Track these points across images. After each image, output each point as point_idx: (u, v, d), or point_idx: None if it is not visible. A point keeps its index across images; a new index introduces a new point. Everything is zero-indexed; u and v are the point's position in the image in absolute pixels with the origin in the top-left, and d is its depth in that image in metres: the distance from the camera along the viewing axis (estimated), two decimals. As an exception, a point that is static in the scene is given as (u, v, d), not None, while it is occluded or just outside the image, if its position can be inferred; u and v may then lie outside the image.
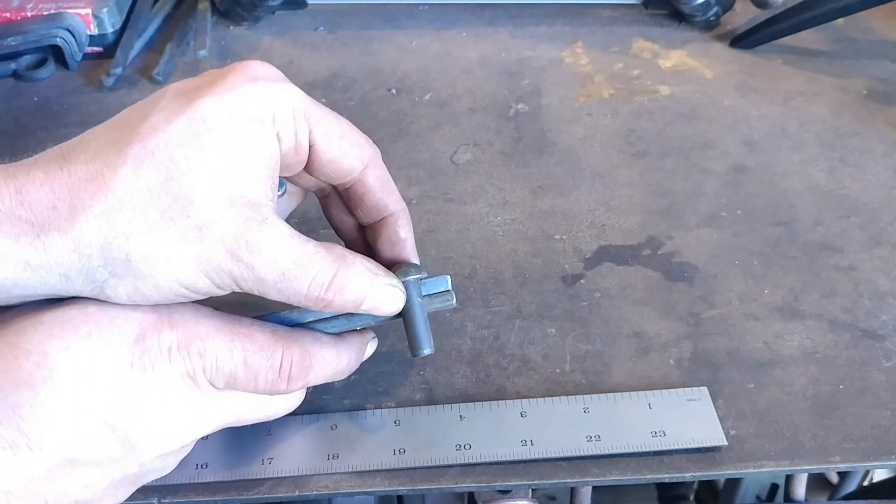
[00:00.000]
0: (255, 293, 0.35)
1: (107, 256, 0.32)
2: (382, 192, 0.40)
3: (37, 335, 0.32)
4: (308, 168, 0.38)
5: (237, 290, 0.35)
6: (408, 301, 0.39)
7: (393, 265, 0.40)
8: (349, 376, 0.41)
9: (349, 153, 0.38)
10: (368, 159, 0.39)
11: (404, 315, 0.39)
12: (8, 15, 0.66)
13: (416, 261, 0.41)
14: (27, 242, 0.31)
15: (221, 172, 0.33)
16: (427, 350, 0.39)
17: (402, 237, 0.41)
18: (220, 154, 0.33)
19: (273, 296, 0.35)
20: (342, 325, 0.39)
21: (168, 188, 0.32)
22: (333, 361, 0.38)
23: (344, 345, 0.39)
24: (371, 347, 0.42)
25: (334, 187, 0.41)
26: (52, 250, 0.31)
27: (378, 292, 0.37)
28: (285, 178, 0.41)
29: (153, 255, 0.32)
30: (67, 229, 0.31)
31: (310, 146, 0.37)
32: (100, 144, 0.33)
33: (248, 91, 0.34)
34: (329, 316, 0.39)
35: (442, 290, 0.40)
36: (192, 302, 0.35)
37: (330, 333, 0.39)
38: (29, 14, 0.66)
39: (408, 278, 0.39)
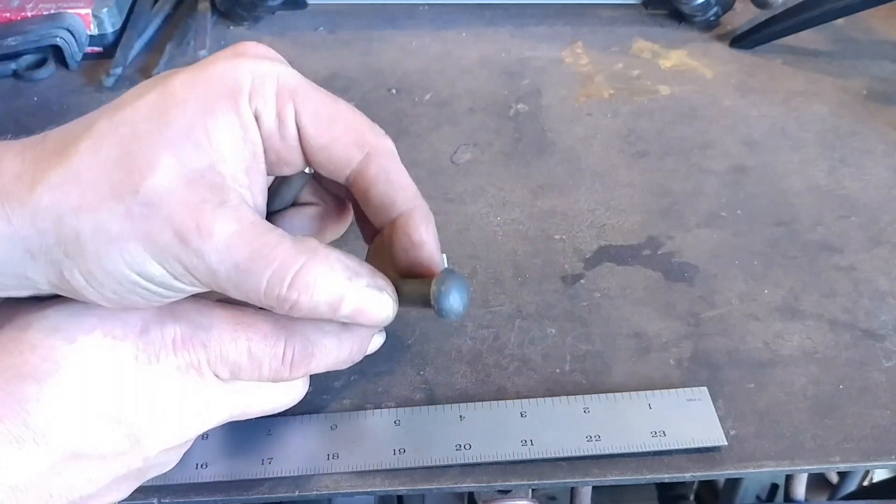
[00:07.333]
0: (214, 288, 0.32)
1: (59, 233, 0.30)
2: (388, 187, 0.34)
3: (42, 329, 0.32)
4: (307, 159, 0.34)
5: (196, 283, 0.31)
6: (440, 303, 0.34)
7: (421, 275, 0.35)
8: (350, 375, 0.41)
9: (342, 138, 0.34)
10: (371, 148, 0.34)
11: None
12: (8, 15, 0.66)
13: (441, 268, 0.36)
14: None
15: (183, 147, 0.30)
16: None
17: (416, 241, 0.35)
18: (184, 128, 0.30)
19: (231, 292, 0.31)
20: None
21: (124, 162, 0.30)
22: (335, 350, 0.37)
23: (347, 334, 0.38)
24: (377, 341, 0.41)
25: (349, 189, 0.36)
26: (15, 220, 0.30)
27: (358, 295, 0.32)
28: (289, 176, 0.37)
29: (99, 233, 0.30)
30: (27, 200, 0.30)
31: (298, 130, 0.33)
32: (78, 120, 0.32)
33: (225, 66, 0.32)
34: None
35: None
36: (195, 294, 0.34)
37: (334, 322, 0.38)
38: (29, 14, 0.66)
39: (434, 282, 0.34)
